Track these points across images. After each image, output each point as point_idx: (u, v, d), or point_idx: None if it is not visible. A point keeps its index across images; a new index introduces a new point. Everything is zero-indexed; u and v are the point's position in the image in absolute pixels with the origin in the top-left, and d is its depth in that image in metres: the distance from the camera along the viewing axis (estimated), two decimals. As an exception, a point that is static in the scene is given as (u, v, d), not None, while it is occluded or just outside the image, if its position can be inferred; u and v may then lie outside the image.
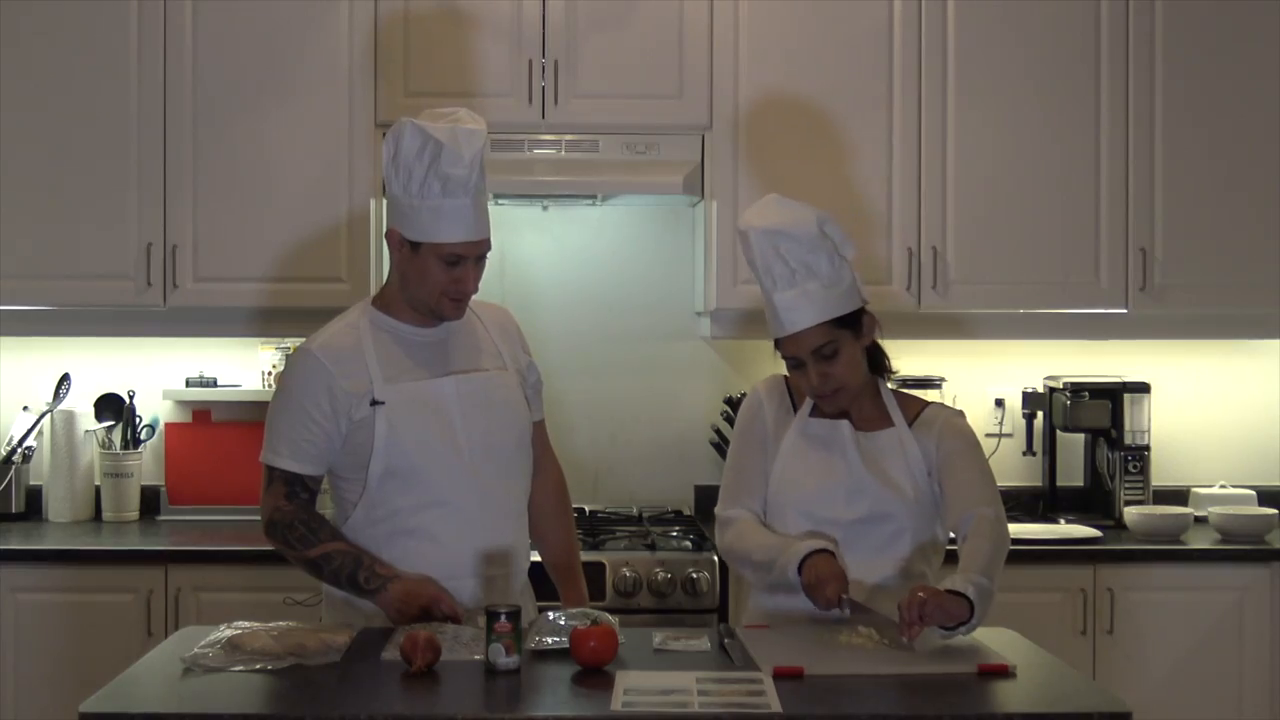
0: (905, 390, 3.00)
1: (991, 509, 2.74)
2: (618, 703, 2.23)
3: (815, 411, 2.87)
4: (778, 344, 2.80)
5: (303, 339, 2.86)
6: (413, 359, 2.80)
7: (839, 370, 2.77)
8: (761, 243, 2.74)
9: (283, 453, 2.76)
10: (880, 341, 2.88)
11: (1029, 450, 4.39)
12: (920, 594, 2.49)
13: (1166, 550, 3.94)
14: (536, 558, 3.05)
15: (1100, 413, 4.25)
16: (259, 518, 2.80)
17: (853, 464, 2.80)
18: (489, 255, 2.81)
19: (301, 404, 2.75)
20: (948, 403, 3.57)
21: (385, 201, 2.88)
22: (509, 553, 2.85)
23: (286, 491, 2.77)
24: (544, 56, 4.03)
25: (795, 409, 2.90)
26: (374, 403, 2.73)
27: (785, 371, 2.90)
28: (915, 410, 2.90)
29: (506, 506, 2.87)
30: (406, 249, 2.75)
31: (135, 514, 4.26)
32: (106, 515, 4.24)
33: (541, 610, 2.79)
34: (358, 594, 2.74)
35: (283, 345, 4.26)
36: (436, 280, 2.74)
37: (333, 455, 2.77)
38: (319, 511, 2.81)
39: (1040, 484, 4.42)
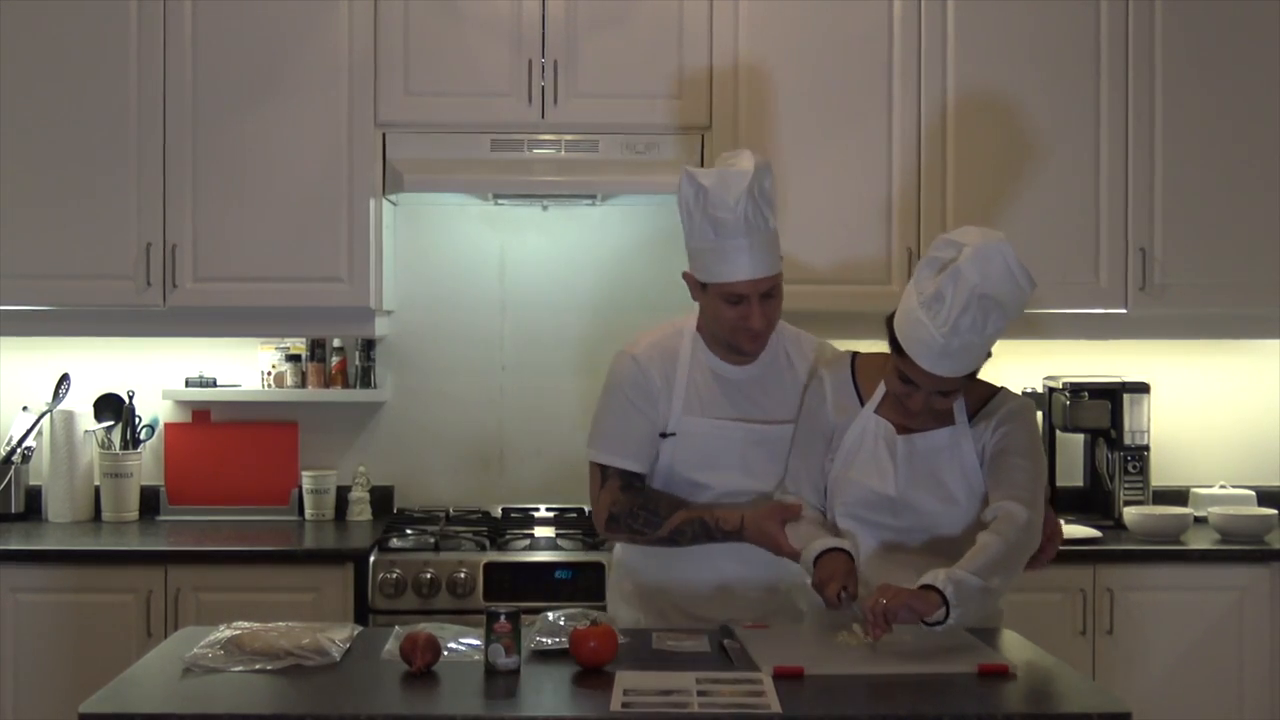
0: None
1: (1024, 510, 2.66)
2: (617, 703, 2.23)
3: (880, 407, 2.83)
4: (896, 350, 2.71)
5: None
6: (720, 392, 2.91)
7: (951, 401, 2.76)
8: (970, 299, 2.59)
9: (615, 450, 2.91)
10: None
11: (1029, 450, 4.39)
12: (883, 598, 2.47)
13: (1166, 550, 3.94)
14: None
15: (1100, 413, 4.25)
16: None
17: (902, 479, 2.77)
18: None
19: (631, 402, 2.91)
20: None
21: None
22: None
23: (621, 484, 2.91)
24: (544, 56, 4.03)
25: (859, 395, 2.86)
26: (664, 434, 2.88)
27: (838, 352, 2.96)
28: (983, 397, 2.83)
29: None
30: (698, 288, 2.90)
31: (135, 514, 4.26)
32: (106, 515, 4.24)
33: (539, 611, 2.78)
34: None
35: (282, 345, 4.26)
36: (726, 318, 2.86)
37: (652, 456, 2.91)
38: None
39: (1040, 484, 4.42)
